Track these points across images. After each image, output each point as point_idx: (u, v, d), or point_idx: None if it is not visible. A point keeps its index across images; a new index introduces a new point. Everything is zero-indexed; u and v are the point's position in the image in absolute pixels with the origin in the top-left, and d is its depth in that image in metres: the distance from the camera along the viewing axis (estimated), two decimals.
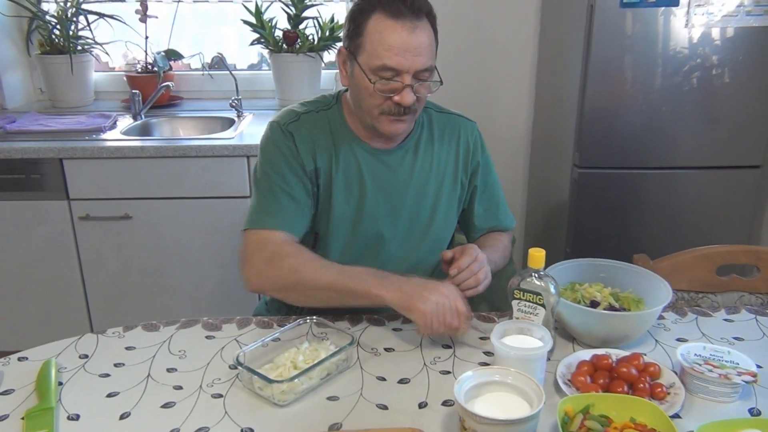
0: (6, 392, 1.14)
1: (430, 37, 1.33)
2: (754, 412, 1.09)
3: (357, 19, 1.33)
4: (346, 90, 1.48)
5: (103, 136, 2.49)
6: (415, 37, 1.29)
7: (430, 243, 1.53)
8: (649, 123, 2.31)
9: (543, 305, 1.17)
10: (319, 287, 1.31)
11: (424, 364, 1.23)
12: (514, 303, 1.20)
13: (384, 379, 1.18)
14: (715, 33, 2.20)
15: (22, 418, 1.06)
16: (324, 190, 1.45)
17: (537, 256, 1.17)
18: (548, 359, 1.21)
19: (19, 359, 1.24)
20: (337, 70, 1.61)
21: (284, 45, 2.79)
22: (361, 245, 1.49)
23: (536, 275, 1.18)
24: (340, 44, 1.42)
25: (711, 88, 2.27)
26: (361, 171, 1.45)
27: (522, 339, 1.13)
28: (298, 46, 2.78)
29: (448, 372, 1.20)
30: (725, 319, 1.39)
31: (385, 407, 1.10)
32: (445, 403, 1.11)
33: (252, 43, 2.86)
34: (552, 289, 1.17)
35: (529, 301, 1.18)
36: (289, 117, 1.46)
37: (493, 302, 2.65)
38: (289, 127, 1.44)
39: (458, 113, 1.59)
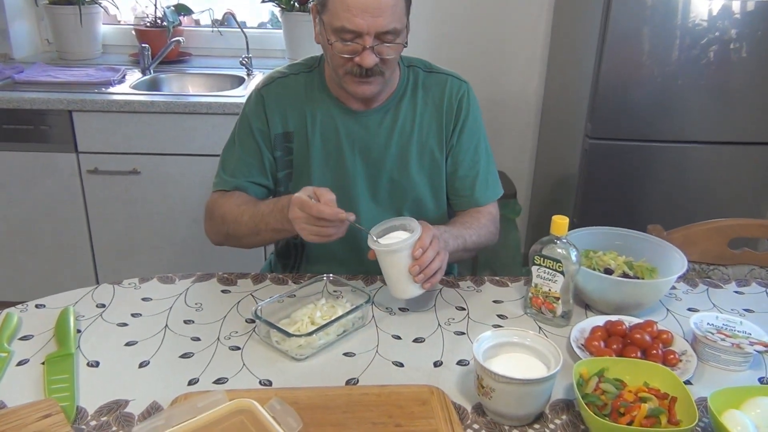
0: (25, 338, 1.16)
1: None
2: (764, 381, 1.11)
3: None
4: None
5: (112, 89, 2.47)
6: None
7: (414, 206, 1.49)
8: (663, 96, 2.29)
9: (562, 272, 1.17)
10: (246, 234, 1.38)
11: (439, 324, 1.24)
12: (534, 269, 1.21)
13: (399, 338, 1.19)
14: (736, 6, 2.18)
15: (43, 363, 1.08)
16: (300, 153, 1.44)
17: (560, 223, 1.17)
18: (564, 325, 1.23)
19: (37, 306, 1.25)
20: None
21: (296, 3, 2.75)
22: (344, 209, 1.47)
23: (558, 242, 1.18)
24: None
25: (728, 62, 2.25)
26: (338, 133, 1.43)
27: (400, 235, 1.21)
28: (310, 4, 2.74)
29: (463, 333, 1.21)
30: (736, 291, 1.40)
31: (401, 364, 1.12)
32: (460, 363, 1.12)
33: (263, 1, 2.82)
34: (573, 257, 1.17)
35: (549, 267, 1.18)
36: (265, 81, 1.48)
37: (495, 270, 2.68)
38: (262, 90, 1.46)
39: (449, 72, 1.49)
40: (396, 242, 1.19)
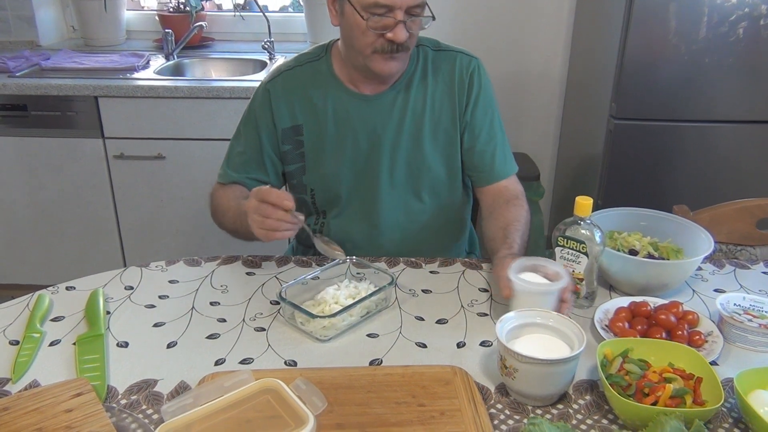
0: (56, 319, 1.18)
1: None
2: None
3: None
4: (338, 39, 1.44)
5: (137, 75, 2.49)
6: None
7: (431, 187, 1.48)
8: (690, 74, 2.25)
9: (586, 253, 1.17)
10: (231, 230, 1.41)
11: (462, 305, 1.24)
12: (557, 250, 1.20)
13: (422, 319, 1.20)
14: None
15: (74, 344, 1.10)
16: (312, 143, 1.45)
17: (584, 204, 1.16)
18: (588, 306, 1.23)
19: (67, 288, 1.28)
20: None
21: None
22: (361, 194, 1.48)
23: (582, 223, 1.17)
24: None
25: (758, 39, 2.20)
26: (350, 119, 1.43)
27: (535, 276, 1.14)
28: None
29: (485, 314, 1.22)
30: (764, 272, 1.38)
31: (424, 345, 1.12)
32: (483, 344, 1.13)
33: None
34: (597, 238, 1.16)
35: (572, 248, 1.18)
36: (271, 75, 1.48)
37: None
38: (268, 85, 1.46)
39: (458, 49, 1.47)
40: (552, 285, 1.11)
